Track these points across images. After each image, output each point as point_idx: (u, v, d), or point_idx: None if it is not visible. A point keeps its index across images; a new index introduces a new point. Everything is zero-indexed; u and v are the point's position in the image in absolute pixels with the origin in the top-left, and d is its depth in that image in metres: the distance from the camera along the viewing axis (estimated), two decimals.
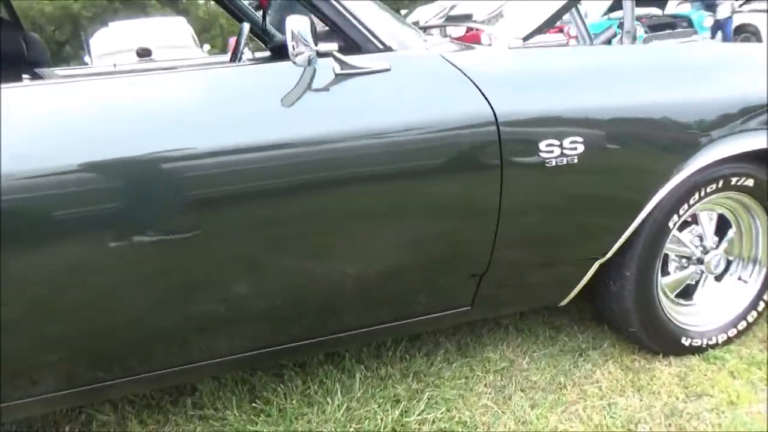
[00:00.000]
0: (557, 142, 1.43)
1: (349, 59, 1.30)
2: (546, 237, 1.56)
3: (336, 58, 1.27)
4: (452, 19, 2.49)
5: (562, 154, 1.44)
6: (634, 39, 1.89)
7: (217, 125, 1.25)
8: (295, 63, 1.21)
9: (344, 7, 1.34)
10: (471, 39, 9.09)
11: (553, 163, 1.44)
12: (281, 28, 2.15)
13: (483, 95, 1.37)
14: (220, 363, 1.47)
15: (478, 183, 1.42)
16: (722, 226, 1.92)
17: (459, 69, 1.38)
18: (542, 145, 1.42)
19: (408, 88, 1.36)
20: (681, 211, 1.70)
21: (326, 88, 1.30)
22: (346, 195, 1.34)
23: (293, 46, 1.21)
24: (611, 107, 1.49)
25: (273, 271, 1.37)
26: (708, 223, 1.85)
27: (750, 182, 1.76)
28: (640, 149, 1.54)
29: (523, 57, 1.57)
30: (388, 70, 1.34)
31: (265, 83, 1.35)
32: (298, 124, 1.27)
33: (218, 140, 1.23)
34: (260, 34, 2.36)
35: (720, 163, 1.66)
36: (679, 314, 1.88)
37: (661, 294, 1.82)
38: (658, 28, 10.34)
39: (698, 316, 1.90)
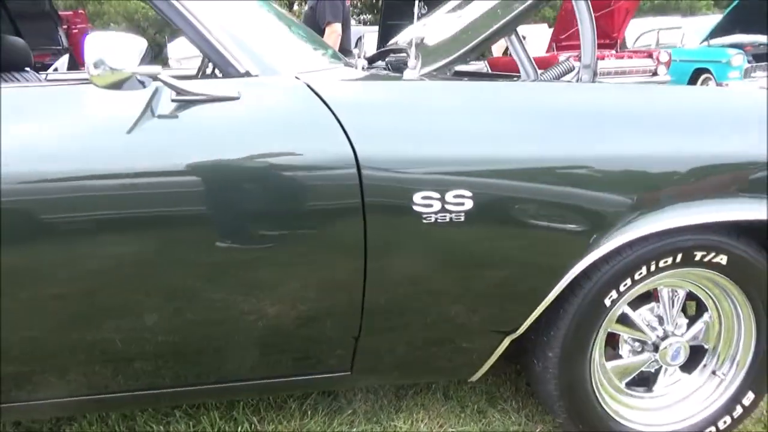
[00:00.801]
0: (437, 195, 1.19)
1: (187, 84, 1.14)
2: (429, 304, 1.32)
3: (167, 83, 1.12)
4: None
5: (444, 210, 1.20)
6: (594, 75, 1.60)
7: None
8: (96, 85, 1.06)
9: (204, 27, 1.19)
10: (546, 60, 8.68)
11: (432, 219, 1.20)
12: None
13: (344, 132, 1.16)
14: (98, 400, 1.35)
15: (335, 235, 1.21)
16: (699, 307, 1.58)
17: (323, 101, 1.18)
18: (417, 197, 1.19)
19: (256, 120, 1.18)
20: (622, 287, 1.39)
21: (158, 116, 1.15)
22: (174, 233, 1.18)
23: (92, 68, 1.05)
24: (514, 157, 1.23)
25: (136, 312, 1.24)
26: (669, 302, 1.52)
27: (722, 260, 1.41)
28: (550, 211, 1.26)
29: (409, 90, 1.33)
30: (235, 98, 1.17)
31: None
32: (124, 154, 1.13)
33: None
34: None
35: (675, 232, 1.34)
36: (629, 408, 1.55)
37: (600, 381, 1.51)
38: (763, 57, 9.40)
39: (654, 413, 1.57)
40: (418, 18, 8.35)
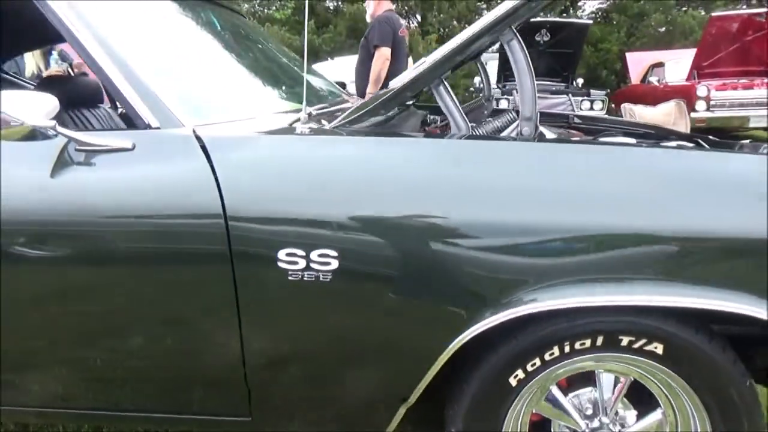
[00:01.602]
0: (302, 253, 1.17)
1: (84, 136, 1.25)
2: (310, 361, 1.28)
3: (65, 135, 1.23)
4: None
5: (309, 268, 1.17)
6: (535, 128, 1.44)
7: None
8: None
9: (114, 77, 1.29)
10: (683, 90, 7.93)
11: (299, 277, 1.18)
12: None
13: (217, 183, 1.19)
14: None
15: (208, 288, 1.24)
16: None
17: (206, 151, 1.22)
18: (281, 254, 1.17)
19: (144, 172, 1.24)
20: (530, 367, 1.25)
21: (64, 164, 1.26)
22: (74, 273, 1.29)
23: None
24: (383, 217, 1.17)
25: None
26: (611, 390, 1.32)
27: (658, 348, 1.21)
28: (426, 277, 1.17)
29: (287, 145, 1.30)
30: (129, 149, 1.25)
31: None
32: (33, 198, 1.26)
33: None
34: None
35: (589, 312, 1.18)
36: None
37: None
38: None
39: None
40: (541, 44, 8.10)
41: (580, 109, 8.27)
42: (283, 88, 1.83)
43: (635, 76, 10.97)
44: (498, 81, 9.14)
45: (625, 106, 4.56)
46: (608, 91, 9.18)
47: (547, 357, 1.23)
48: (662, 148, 1.34)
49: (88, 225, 1.24)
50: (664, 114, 4.30)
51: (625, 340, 1.21)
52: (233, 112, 1.42)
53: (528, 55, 1.34)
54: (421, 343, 1.23)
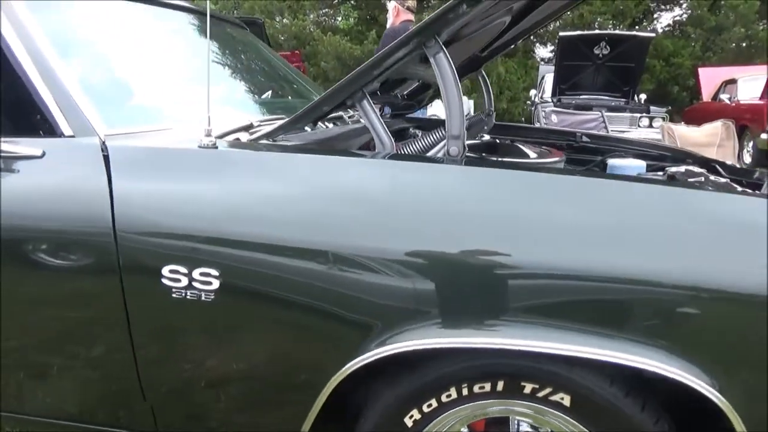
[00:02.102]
0: (185, 271, 1.13)
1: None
2: (203, 379, 1.24)
3: None
4: None
5: (191, 287, 1.13)
6: (463, 148, 1.32)
7: None
8: None
9: (35, 84, 1.29)
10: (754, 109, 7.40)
11: (183, 295, 1.14)
12: None
13: (111, 194, 1.17)
14: None
15: (99, 299, 1.21)
16: None
17: (107, 161, 1.20)
18: (165, 270, 1.14)
19: (48, 180, 1.24)
20: (426, 408, 1.15)
21: None
22: None
23: None
24: (267, 239, 1.10)
25: None
26: None
27: (565, 400, 1.08)
28: (310, 303, 1.10)
29: (183, 159, 1.24)
30: (38, 156, 1.25)
31: None
32: None
33: None
34: None
35: (489, 354, 1.08)
36: None
37: None
38: None
39: None
40: (599, 58, 7.81)
41: (638, 126, 7.87)
42: (248, 99, 1.81)
43: (707, 93, 10.36)
44: (553, 95, 8.86)
45: (664, 126, 4.25)
46: (669, 108, 8.67)
47: (444, 398, 1.13)
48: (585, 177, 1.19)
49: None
50: (709, 135, 3.98)
51: (528, 388, 1.09)
52: (154, 122, 1.40)
53: (455, 71, 1.25)
54: (305, 373, 1.16)
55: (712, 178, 1.82)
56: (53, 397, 1.39)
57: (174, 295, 1.14)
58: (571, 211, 1.08)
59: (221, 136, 1.38)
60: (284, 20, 14.69)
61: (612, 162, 2.30)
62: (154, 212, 1.16)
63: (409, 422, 1.16)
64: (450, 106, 1.26)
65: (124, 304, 1.18)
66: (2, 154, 1.26)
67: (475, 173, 1.19)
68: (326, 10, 16.11)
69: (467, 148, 1.28)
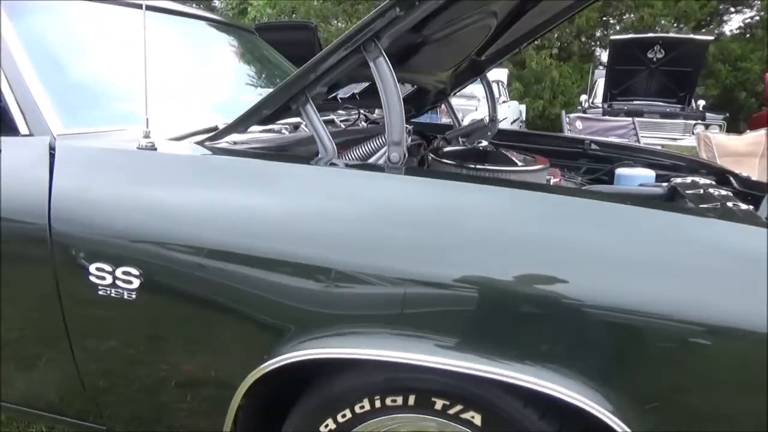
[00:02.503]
0: (109, 269, 1.15)
1: None
2: (134, 374, 1.26)
3: None
4: None
5: (114, 285, 1.15)
6: (405, 154, 1.27)
7: None
8: None
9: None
10: None
11: (107, 293, 1.16)
12: None
13: (49, 191, 1.21)
14: None
15: (37, 294, 1.26)
16: None
17: (52, 159, 1.24)
18: (92, 268, 1.16)
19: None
20: (340, 418, 1.12)
21: None
22: None
23: None
24: (188, 242, 1.11)
25: None
26: None
27: (475, 419, 1.03)
28: (226, 307, 1.10)
29: (117, 158, 1.26)
30: None
31: None
32: None
33: None
34: None
35: (400, 368, 1.04)
36: None
37: None
38: None
39: None
40: (653, 62, 7.54)
41: (692, 133, 7.48)
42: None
43: None
44: (604, 100, 8.57)
45: (700, 134, 4.00)
46: (727, 115, 8.18)
47: (357, 409, 1.11)
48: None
49: None
50: (750, 144, 3.70)
51: (439, 404, 1.05)
52: (111, 123, 1.44)
53: (395, 76, 1.22)
54: (220, 373, 1.16)
55: (713, 190, 1.71)
56: (8, 383, 1.45)
57: (100, 292, 1.17)
58: (486, 222, 1.04)
59: (182, 138, 1.40)
60: (339, 24, 14.87)
61: (619, 171, 2.20)
62: (87, 211, 1.19)
63: (324, 431, 1.14)
64: (390, 111, 1.23)
65: (59, 297, 1.22)
66: None
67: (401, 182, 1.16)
68: None
69: (407, 156, 1.25)
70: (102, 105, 1.54)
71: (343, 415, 1.12)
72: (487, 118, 2.52)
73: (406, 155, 1.25)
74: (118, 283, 1.15)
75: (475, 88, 9.16)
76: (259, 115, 1.30)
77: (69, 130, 1.34)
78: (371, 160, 1.43)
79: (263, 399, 1.23)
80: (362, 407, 1.10)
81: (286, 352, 1.07)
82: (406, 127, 1.29)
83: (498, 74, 11.11)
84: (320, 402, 1.13)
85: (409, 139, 2.22)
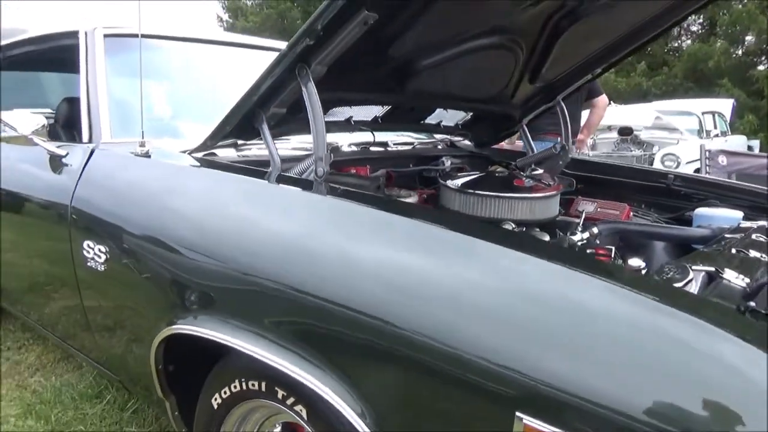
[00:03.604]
0: (93, 245, 1.49)
1: (49, 144, 1.80)
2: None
3: (39, 144, 1.81)
4: None
5: (94, 258, 1.48)
6: (324, 169, 1.31)
7: None
8: None
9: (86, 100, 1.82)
10: None
11: (90, 265, 1.50)
12: None
13: (76, 183, 1.61)
14: None
15: (57, 253, 1.68)
16: None
17: (88, 159, 1.64)
18: (85, 245, 1.51)
19: (63, 170, 1.73)
20: (224, 393, 1.28)
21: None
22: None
23: None
24: (146, 231, 1.39)
25: None
26: None
27: (303, 411, 1.11)
28: (149, 281, 1.36)
29: (120, 161, 1.62)
30: (62, 156, 1.75)
31: None
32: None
33: None
34: None
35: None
36: None
37: None
38: None
39: None
40: None
41: None
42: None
43: None
44: None
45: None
46: None
47: (232, 388, 1.25)
48: None
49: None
50: None
51: (280, 393, 1.15)
52: (147, 135, 1.81)
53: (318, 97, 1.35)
54: (141, 332, 1.43)
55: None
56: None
57: (88, 264, 1.51)
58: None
59: (196, 150, 1.71)
60: None
61: (699, 211, 1.96)
62: (91, 201, 1.56)
63: (215, 404, 1.31)
64: (316, 131, 1.37)
65: (73, 262, 1.60)
66: (52, 154, 1.79)
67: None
68: None
69: (328, 171, 1.37)
70: (144, 121, 1.92)
71: (225, 392, 1.27)
72: (558, 147, 2.42)
73: (327, 169, 1.37)
74: (95, 256, 1.48)
75: (677, 121, 8.27)
76: (223, 131, 1.53)
77: (114, 139, 1.74)
78: (304, 175, 1.54)
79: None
80: (235, 387, 1.24)
81: (181, 325, 1.27)
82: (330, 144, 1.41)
83: (717, 104, 9.83)
84: (212, 377, 1.31)
85: (448, 162, 2.26)
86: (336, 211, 1.20)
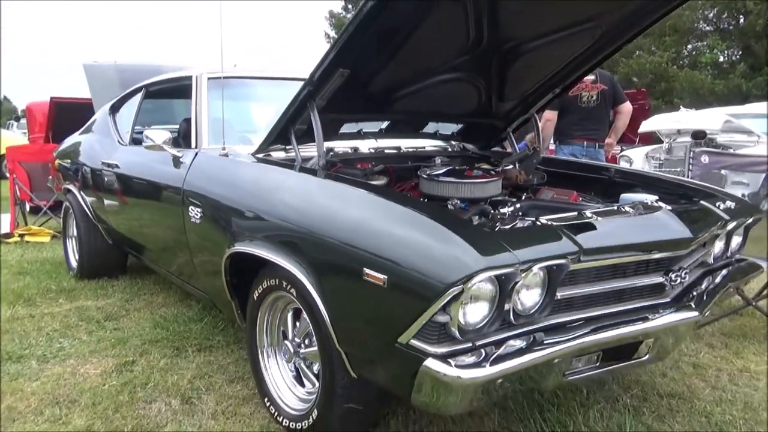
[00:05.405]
0: (194, 208, 2.51)
1: (172, 149, 2.87)
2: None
3: (167, 150, 2.89)
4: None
5: (194, 216, 2.51)
6: (320, 162, 2.19)
7: None
8: None
9: (195, 115, 2.90)
10: None
11: (193, 220, 2.53)
12: None
13: (186, 174, 2.65)
14: None
15: (175, 215, 2.72)
16: None
17: (193, 161, 2.69)
18: (190, 209, 2.55)
19: (179, 165, 2.79)
20: (259, 289, 2.23)
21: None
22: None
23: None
24: (220, 197, 2.40)
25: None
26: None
27: (293, 291, 2.03)
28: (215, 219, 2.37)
29: (213, 160, 2.63)
30: (179, 156, 2.82)
31: None
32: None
33: None
34: None
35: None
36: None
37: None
38: None
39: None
40: None
41: None
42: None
43: None
44: None
45: None
46: None
47: (264, 285, 2.19)
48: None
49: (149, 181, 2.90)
50: None
51: (284, 284, 2.07)
52: (230, 143, 2.83)
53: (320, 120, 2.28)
54: (215, 259, 2.40)
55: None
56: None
57: (192, 220, 2.55)
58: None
59: (256, 152, 2.70)
60: (639, 58, 14.57)
61: (624, 195, 2.64)
62: (194, 184, 2.59)
63: (255, 297, 2.26)
64: (318, 140, 2.29)
65: (183, 222, 2.64)
66: (174, 156, 2.87)
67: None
68: (694, 44, 15.17)
69: (323, 164, 2.29)
70: (232, 133, 2.95)
71: (259, 288, 2.22)
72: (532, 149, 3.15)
73: (323, 163, 2.28)
74: (193, 216, 2.51)
75: (754, 124, 8.24)
76: (269, 140, 2.50)
77: (209, 146, 2.79)
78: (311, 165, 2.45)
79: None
80: (267, 283, 2.18)
81: (238, 247, 2.23)
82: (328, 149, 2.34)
83: None
84: (255, 282, 2.25)
85: (438, 161, 3.08)
86: (325, 186, 2.11)
